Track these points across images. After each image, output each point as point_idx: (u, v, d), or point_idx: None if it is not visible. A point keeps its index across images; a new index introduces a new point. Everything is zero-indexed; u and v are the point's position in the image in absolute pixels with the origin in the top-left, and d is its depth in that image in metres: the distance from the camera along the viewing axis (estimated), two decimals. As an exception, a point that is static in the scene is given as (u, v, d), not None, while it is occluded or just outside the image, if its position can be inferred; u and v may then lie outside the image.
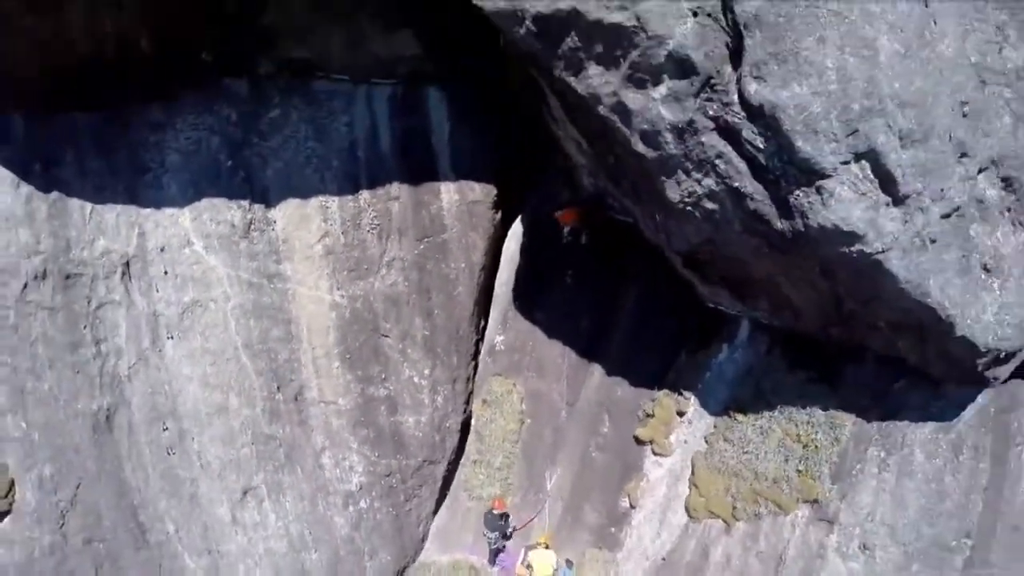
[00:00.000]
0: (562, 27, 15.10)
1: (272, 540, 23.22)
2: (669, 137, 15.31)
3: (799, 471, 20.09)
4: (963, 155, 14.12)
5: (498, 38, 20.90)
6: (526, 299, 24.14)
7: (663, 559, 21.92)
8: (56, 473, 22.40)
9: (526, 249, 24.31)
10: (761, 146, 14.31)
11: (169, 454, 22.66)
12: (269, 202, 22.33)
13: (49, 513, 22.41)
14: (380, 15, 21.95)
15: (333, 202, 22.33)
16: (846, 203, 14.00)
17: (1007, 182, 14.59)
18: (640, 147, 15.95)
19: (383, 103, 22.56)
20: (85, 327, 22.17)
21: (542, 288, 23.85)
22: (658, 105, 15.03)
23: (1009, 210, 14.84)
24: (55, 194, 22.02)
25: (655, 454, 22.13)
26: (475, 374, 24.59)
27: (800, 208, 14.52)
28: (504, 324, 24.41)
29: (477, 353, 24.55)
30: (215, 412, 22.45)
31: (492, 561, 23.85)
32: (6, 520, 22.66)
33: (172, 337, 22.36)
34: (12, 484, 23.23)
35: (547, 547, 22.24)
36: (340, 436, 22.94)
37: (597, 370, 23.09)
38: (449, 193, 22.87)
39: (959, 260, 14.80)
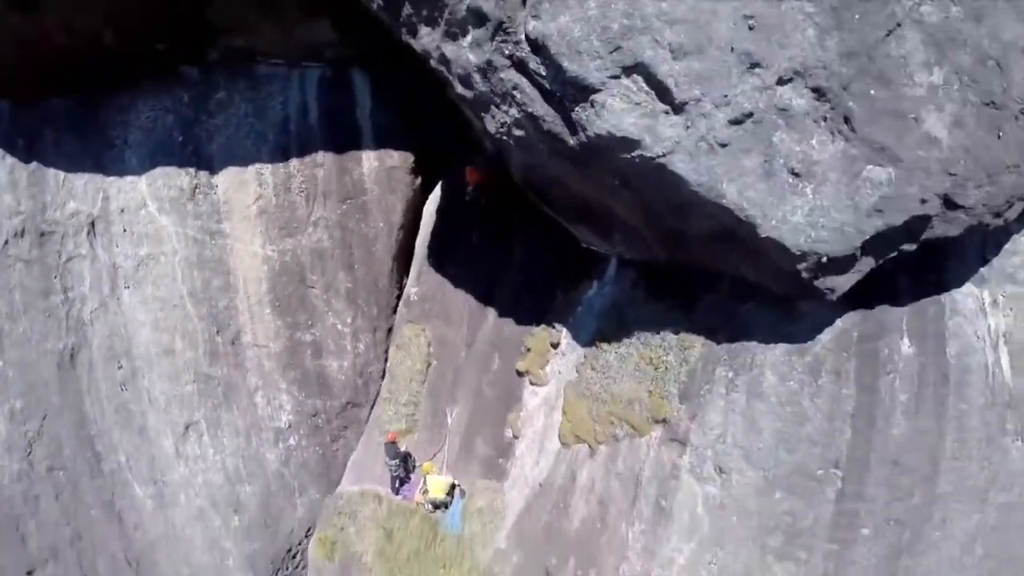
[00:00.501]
0: (398, -2, 20.80)
1: (211, 472, 26.84)
2: (477, 78, 17.71)
3: (650, 392, 20.83)
4: (754, 65, 15.01)
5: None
6: (438, 254, 28.69)
7: (540, 485, 24.06)
8: (26, 407, 26.43)
9: (440, 210, 28.95)
10: (544, 73, 16.14)
11: (123, 390, 26.48)
12: (213, 170, 27.18)
13: (18, 442, 26.37)
14: (301, 5, 25.74)
15: (267, 169, 26.74)
16: (617, 112, 15.46)
17: (818, 92, 15.24)
18: (460, 89, 18.76)
19: (313, 84, 27.53)
20: (55, 277, 26.18)
21: (453, 245, 28.65)
22: (466, 52, 17.43)
23: (825, 119, 15.40)
24: (34, 164, 26.30)
25: (532, 384, 25.69)
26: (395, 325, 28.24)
27: (581, 122, 16.10)
28: (419, 277, 29.18)
29: (397, 306, 29.09)
30: (163, 353, 26.44)
31: (395, 490, 27.90)
32: (-21, 449, 26.29)
33: (128, 286, 26.50)
34: (-14, 416, 26.63)
35: (430, 472, 24.98)
36: (271, 377, 26.80)
37: (491, 313, 27.32)
38: (369, 160, 27.78)
39: (761, 165, 15.63)
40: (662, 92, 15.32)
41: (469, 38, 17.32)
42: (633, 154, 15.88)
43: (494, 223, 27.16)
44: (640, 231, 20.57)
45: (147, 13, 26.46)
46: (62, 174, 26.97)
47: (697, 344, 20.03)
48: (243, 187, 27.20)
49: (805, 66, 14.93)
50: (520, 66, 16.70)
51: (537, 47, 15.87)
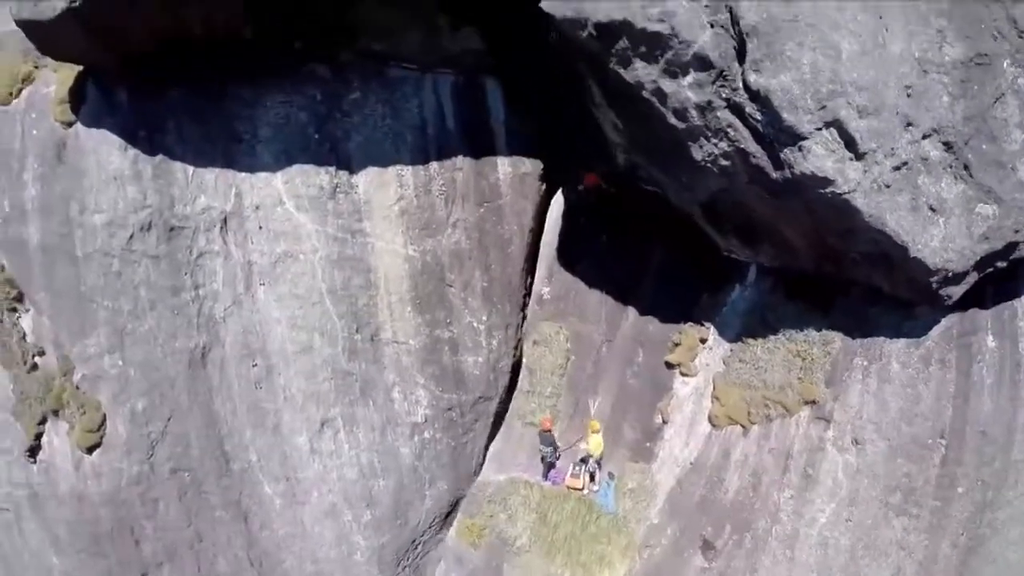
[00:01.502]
0: (616, 33, 14.20)
1: (345, 468, 17.59)
2: (694, 113, 14.53)
3: (799, 379, 16.53)
4: (909, 124, 13.88)
5: (546, 35, 16.68)
6: (568, 256, 19.24)
7: (691, 464, 17.36)
8: (149, 406, 16.54)
9: (567, 214, 19.55)
10: (759, 118, 14.05)
11: (257, 388, 16.98)
12: (352, 169, 17.11)
13: (139, 444, 16.51)
14: (451, 16, 17.36)
15: (407, 171, 17.29)
16: (820, 157, 13.84)
17: (947, 145, 14.08)
18: (673, 120, 14.87)
19: (447, 89, 17.61)
20: (186, 274, 16.50)
21: (582, 247, 19.13)
22: (686, 90, 14.37)
23: (951, 167, 14.29)
24: (159, 157, 16.50)
25: (682, 375, 17.54)
26: (523, 322, 19.33)
27: (788, 162, 14.16)
28: (550, 277, 19.36)
29: (525, 304, 19.39)
30: (300, 350, 16.91)
31: (545, 475, 18.46)
32: (95, 453, 16.67)
33: (264, 284, 16.84)
34: (104, 419, 17.20)
35: (597, 431, 17.48)
36: (409, 373, 17.59)
37: (631, 312, 18.30)
38: (504, 166, 17.90)
39: (910, 201, 14.29)
40: (850, 143, 13.76)
41: (690, 78, 14.15)
42: (826, 190, 14.12)
43: (622, 227, 18.71)
44: (795, 247, 16.51)
45: (291, 12, 16.34)
46: (190, 168, 16.48)
47: (836, 339, 16.43)
48: (384, 187, 17.17)
49: (940, 125, 13.93)
50: (736, 109, 14.19)
51: (756, 96, 13.78)
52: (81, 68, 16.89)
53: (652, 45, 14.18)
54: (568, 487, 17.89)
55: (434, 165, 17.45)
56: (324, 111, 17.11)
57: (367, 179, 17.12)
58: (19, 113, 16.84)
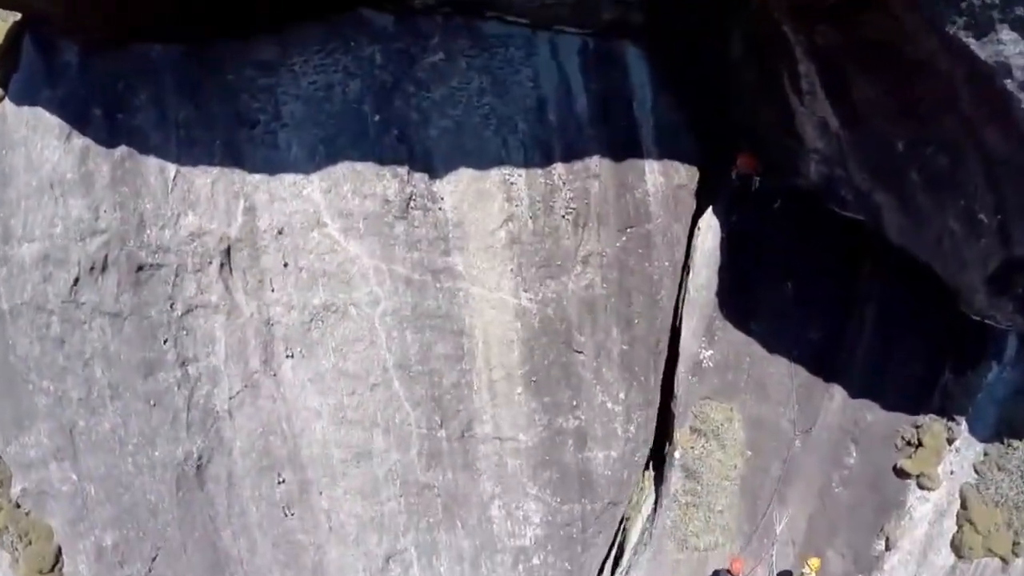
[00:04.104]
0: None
1: None
2: None
3: None
4: None
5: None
6: (736, 306, 9.92)
7: None
8: (122, 541, 7.38)
9: (728, 245, 9.92)
10: None
11: (286, 515, 8.11)
12: (434, 171, 7.97)
13: None
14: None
15: (520, 176, 8.21)
16: None
17: None
18: None
19: (572, 56, 8.55)
20: (166, 341, 7.41)
21: (754, 293, 9.88)
22: None
23: None
24: (123, 150, 7.20)
25: (921, 488, 8.88)
26: (674, 398, 9.66)
27: None
28: (710, 336, 9.90)
29: (672, 371, 9.71)
30: (352, 458, 7.98)
31: None
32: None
33: (292, 355, 7.85)
34: (59, 555, 8.47)
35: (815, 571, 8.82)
36: (516, 480, 8.70)
37: (837, 392, 9.29)
38: (654, 174, 8.91)
39: None
40: None
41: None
42: None
43: (811, 266, 9.69)
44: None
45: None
46: (172, 167, 7.21)
47: None
48: (484, 201, 8.07)
49: None
50: None
51: None
52: (19, 17, 7.85)
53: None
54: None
55: (559, 169, 8.37)
56: (388, 79, 7.98)
57: (458, 188, 8.05)
58: None
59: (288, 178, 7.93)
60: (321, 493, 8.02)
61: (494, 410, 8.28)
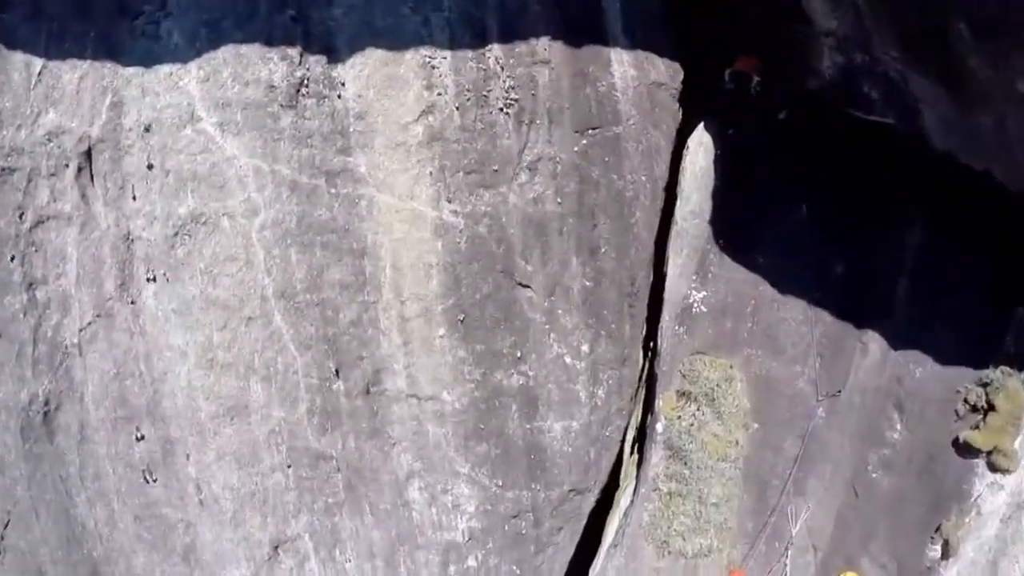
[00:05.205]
0: None
1: None
2: None
3: None
4: None
5: None
6: (736, 235, 7.10)
7: None
8: None
9: (724, 164, 7.19)
10: None
11: (147, 480, 6.38)
12: (335, 53, 6.26)
13: None
14: None
15: (444, 59, 6.40)
16: None
17: None
18: None
19: None
20: (13, 259, 5.92)
21: (759, 218, 7.04)
22: None
23: None
24: None
25: (993, 470, 5.86)
26: (655, 355, 7.01)
27: None
28: (703, 274, 7.09)
29: (656, 320, 7.12)
30: (224, 413, 6.20)
31: None
32: None
33: (154, 278, 6.23)
34: None
35: None
36: (441, 454, 6.40)
37: (873, 341, 6.30)
38: (623, 66, 6.65)
39: None
40: None
41: None
42: None
43: (834, 183, 6.67)
44: None
45: None
46: (38, 62, 5.60)
47: None
48: (396, 87, 5.94)
49: None
50: None
51: None
52: None
53: None
54: None
55: (496, 51, 6.42)
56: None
57: (362, 72, 6.23)
58: None
59: (164, 69, 6.40)
60: (188, 456, 6.22)
61: (408, 358, 6.26)
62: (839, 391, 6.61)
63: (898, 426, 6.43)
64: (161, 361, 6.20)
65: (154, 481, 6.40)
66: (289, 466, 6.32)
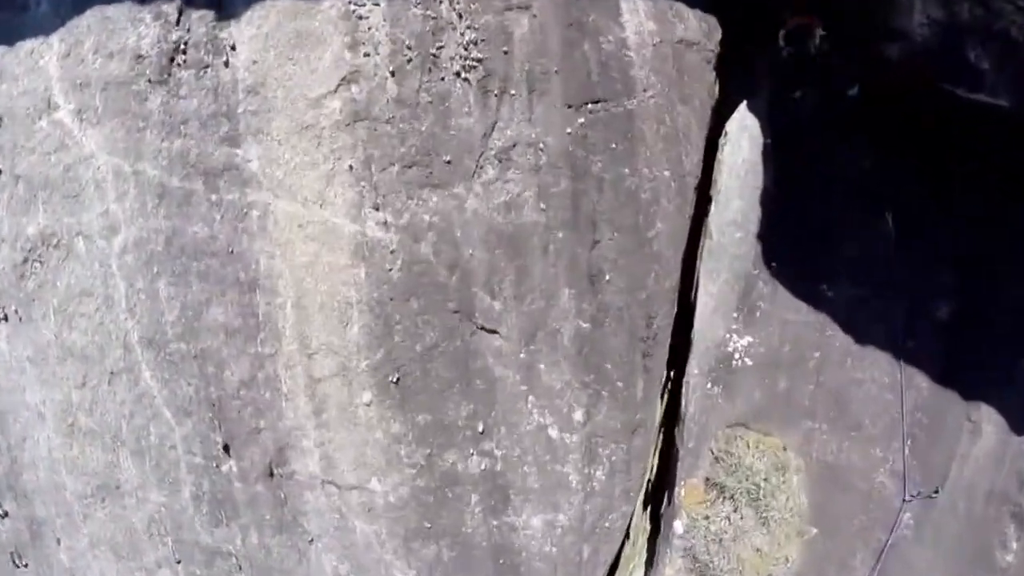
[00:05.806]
0: None
1: None
2: None
3: None
4: None
5: None
6: (794, 257, 4.20)
7: None
8: None
9: (777, 157, 4.15)
10: None
11: (17, 564, 5.05)
12: (227, 7, 4.48)
13: None
14: None
15: (376, 5, 4.37)
16: None
17: None
18: None
19: None
20: None
21: (827, 234, 4.19)
22: None
23: None
24: None
25: None
26: (678, 423, 4.05)
27: None
28: (748, 311, 4.19)
29: (680, 376, 4.20)
30: (94, 492, 4.72)
31: None
32: None
33: (5, 317, 4.80)
34: None
35: None
36: (375, 556, 4.45)
37: (988, 420, 3.56)
38: (638, 16, 3.88)
39: None
40: None
41: None
42: None
43: (927, 189, 3.91)
44: None
45: None
46: None
47: None
48: (307, 47, 3.82)
49: None
50: None
51: None
52: None
53: None
54: None
55: (448, -11, 4.42)
56: None
57: (261, 28, 4.41)
58: None
59: (27, 46, 4.81)
60: (59, 542, 4.72)
61: (320, 433, 4.42)
62: (936, 491, 4.19)
63: (1014, 545, 3.87)
64: (18, 423, 4.73)
65: (25, 566, 4.99)
66: (179, 561, 4.70)
